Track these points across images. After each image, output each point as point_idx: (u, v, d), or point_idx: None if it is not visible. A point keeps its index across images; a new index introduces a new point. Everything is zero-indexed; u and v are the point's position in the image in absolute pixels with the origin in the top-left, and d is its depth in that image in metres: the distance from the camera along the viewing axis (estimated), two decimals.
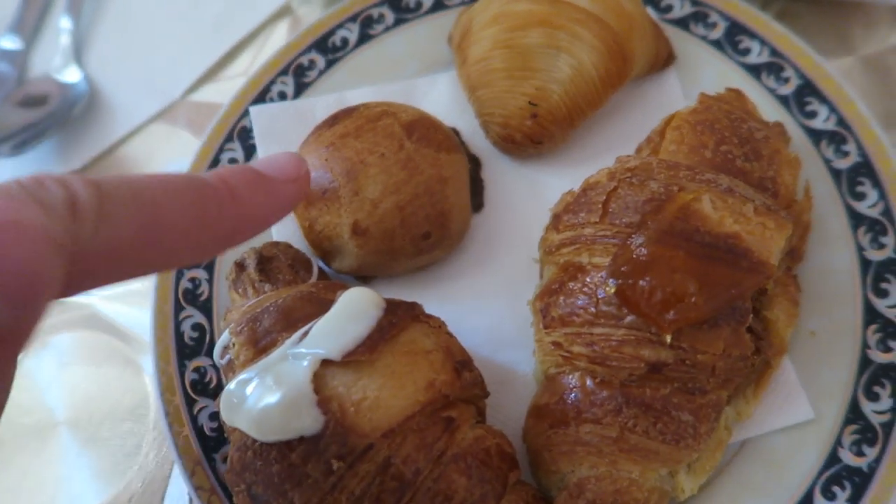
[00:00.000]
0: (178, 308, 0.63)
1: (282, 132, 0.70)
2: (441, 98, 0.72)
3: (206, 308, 0.63)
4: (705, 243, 0.48)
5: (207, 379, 0.61)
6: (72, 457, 0.66)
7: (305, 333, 0.50)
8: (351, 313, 0.51)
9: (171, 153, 0.80)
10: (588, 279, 0.52)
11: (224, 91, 0.81)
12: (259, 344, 0.51)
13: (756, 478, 0.55)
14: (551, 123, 0.64)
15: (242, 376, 0.49)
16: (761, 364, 0.54)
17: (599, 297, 0.50)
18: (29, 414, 0.69)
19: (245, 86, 0.71)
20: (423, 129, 0.61)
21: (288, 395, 0.46)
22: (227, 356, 0.54)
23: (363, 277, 0.65)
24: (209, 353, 0.61)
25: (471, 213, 0.65)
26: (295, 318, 0.52)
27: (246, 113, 0.70)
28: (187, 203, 0.37)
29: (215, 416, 0.59)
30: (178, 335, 0.62)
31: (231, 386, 0.50)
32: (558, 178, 0.66)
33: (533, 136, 0.65)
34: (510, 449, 0.52)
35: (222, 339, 0.55)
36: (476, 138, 0.70)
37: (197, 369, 0.61)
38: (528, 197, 0.67)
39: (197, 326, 0.63)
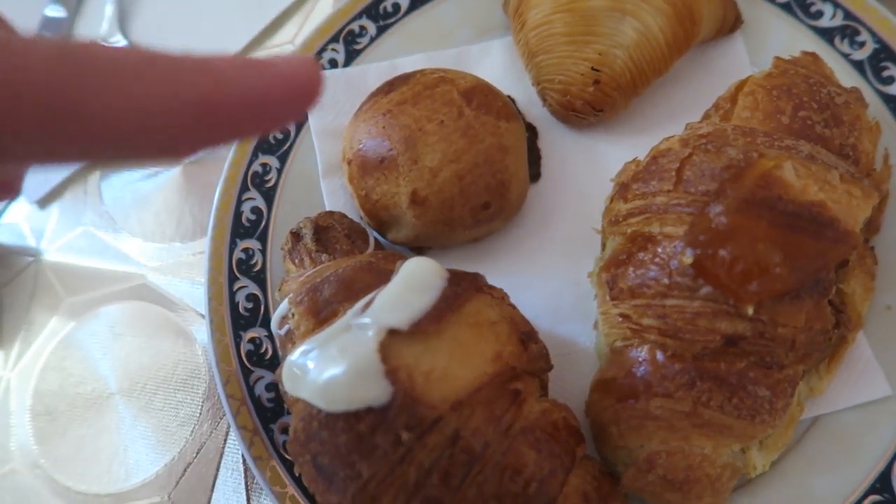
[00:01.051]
0: (232, 278, 0.62)
1: (333, 100, 0.68)
2: (495, 66, 0.70)
3: (260, 279, 0.62)
4: (788, 212, 0.45)
5: (263, 350, 0.60)
6: (126, 427, 0.66)
7: (368, 303, 0.48)
8: (415, 283, 0.50)
9: None
10: (660, 249, 0.50)
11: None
12: (320, 314, 0.50)
13: (829, 456, 0.53)
14: (614, 90, 0.62)
15: (304, 347, 0.48)
16: (837, 339, 0.52)
17: (672, 267, 0.48)
18: (83, 384, 0.69)
19: (294, 54, 0.69)
20: (482, 97, 0.59)
21: (355, 364, 0.45)
22: (286, 326, 0.53)
23: (418, 248, 0.64)
24: (264, 324, 0.61)
25: (528, 183, 0.63)
26: (356, 288, 0.51)
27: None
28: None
29: (272, 386, 0.58)
30: (233, 306, 0.61)
31: (293, 357, 0.49)
32: (618, 148, 0.64)
33: (594, 104, 0.62)
34: (576, 423, 0.51)
35: (280, 308, 0.54)
36: (532, 107, 0.68)
37: (252, 340, 0.60)
38: (586, 167, 0.65)
39: (251, 297, 0.62)
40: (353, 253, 0.57)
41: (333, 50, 0.70)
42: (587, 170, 0.65)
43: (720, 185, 0.48)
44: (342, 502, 0.45)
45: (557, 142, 0.66)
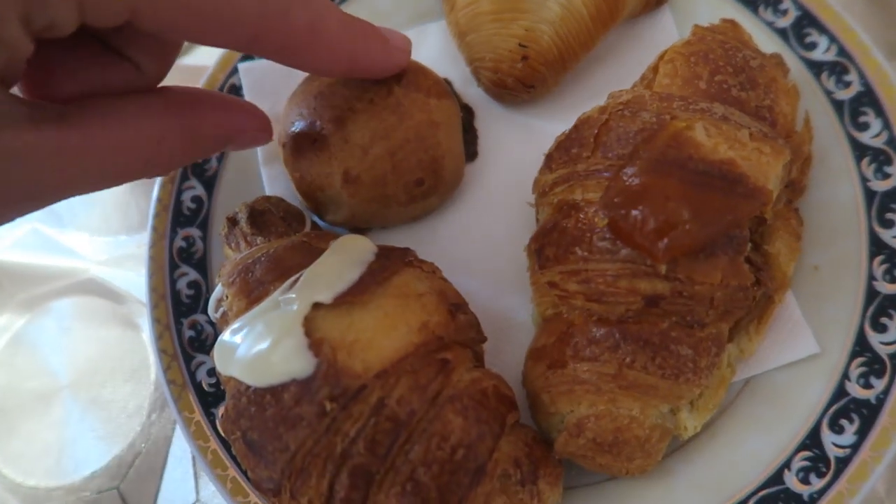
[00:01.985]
0: (174, 266, 0.62)
1: (272, 88, 0.68)
2: (431, 49, 0.70)
3: (201, 266, 0.63)
4: (699, 171, 0.46)
5: (204, 336, 0.60)
6: (75, 420, 0.66)
7: (296, 281, 0.49)
8: (342, 259, 0.50)
9: None
10: (581, 216, 0.50)
11: (214, 54, 0.79)
12: (252, 294, 0.50)
13: (761, 415, 0.54)
14: (543, 66, 0.62)
15: (234, 325, 0.49)
16: (764, 300, 0.53)
17: (593, 232, 0.49)
18: (32, 379, 0.69)
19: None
20: (411, 75, 0.59)
21: (279, 338, 0.46)
22: (221, 309, 0.53)
23: (358, 229, 0.64)
24: (205, 310, 0.61)
25: (464, 161, 0.64)
26: (287, 266, 0.51)
27: (235, 70, 0.69)
28: None
29: (213, 371, 0.59)
30: (174, 293, 0.61)
31: (224, 336, 0.49)
32: (553, 123, 0.64)
33: (525, 80, 0.63)
34: (508, 391, 0.51)
35: (216, 292, 0.54)
36: (469, 88, 0.68)
37: (193, 325, 0.60)
38: (522, 144, 0.66)
39: (193, 284, 0.62)
40: (288, 235, 0.57)
41: None
42: (524, 146, 0.65)
43: (634, 148, 0.48)
44: (272, 476, 0.45)
45: (494, 121, 0.67)
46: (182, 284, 0.62)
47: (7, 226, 0.74)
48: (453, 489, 0.45)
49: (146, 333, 0.68)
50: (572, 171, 0.52)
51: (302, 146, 0.58)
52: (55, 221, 0.76)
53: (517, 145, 0.66)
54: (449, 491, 0.45)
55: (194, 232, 0.64)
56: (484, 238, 0.63)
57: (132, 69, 0.45)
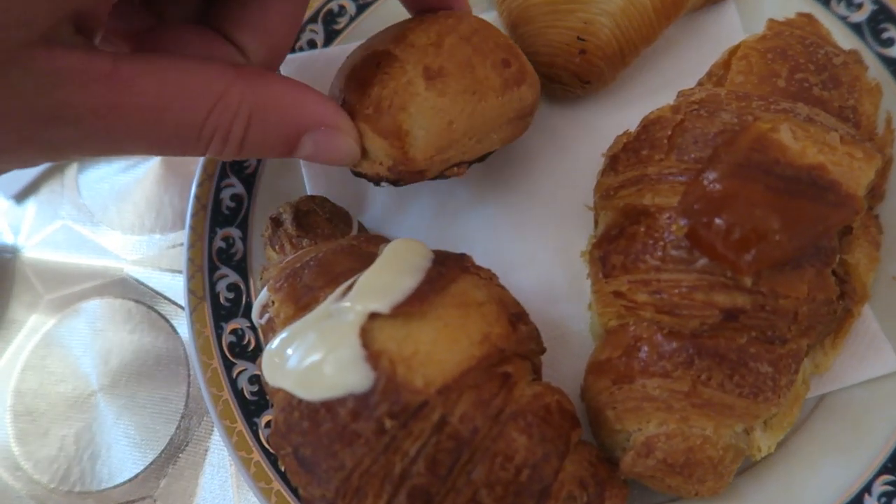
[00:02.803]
0: (213, 268, 0.59)
1: (312, 83, 0.65)
2: None
3: (242, 268, 0.60)
4: (786, 176, 0.43)
5: (245, 341, 0.57)
6: (108, 425, 0.64)
7: (349, 288, 0.46)
8: (397, 265, 0.47)
9: None
10: (653, 222, 0.47)
11: None
12: (300, 301, 0.48)
13: (837, 435, 0.50)
14: (601, 60, 0.59)
15: (284, 335, 0.46)
16: (842, 312, 0.49)
17: (667, 239, 0.46)
18: (63, 383, 0.66)
19: None
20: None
21: (334, 350, 0.43)
22: (266, 315, 0.51)
23: (456, 165, 0.54)
24: (246, 314, 0.58)
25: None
26: (336, 272, 0.48)
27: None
28: None
29: (255, 379, 0.56)
30: (214, 296, 0.58)
31: (272, 345, 0.46)
32: (608, 121, 0.61)
33: (581, 75, 0.59)
34: (570, 407, 0.48)
35: (260, 297, 0.51)
36: None
37: (234, 331, 0.57)
38: (575, 142, 0.62)
39: (233, 287, 0.59)
40: (334, 237, 0.54)
41: (312, 31, 0.67)
42: (576, 145, 0.62)
43: (714, 150, 0.45)
44: (326, 495, 0.43)
45: (545, 117, 0.63)
46: (222, 287, 0.59)
47: (36, 223, 0.74)
48: None
49: (182, 336, 0.65)
50: (642, 174, 0.49)
51: (366, 78, 0.51)
52: (87, 219, 0.73)
53: (569, 143, 0.62)
54: None
55: (234, 232, 0.61)
56: (535, 241, 0.60)
57: (237, 54, 0.45)
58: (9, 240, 0.75)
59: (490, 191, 0.61)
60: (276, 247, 0.54)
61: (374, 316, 0.43)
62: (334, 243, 0.52)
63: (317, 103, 0.47)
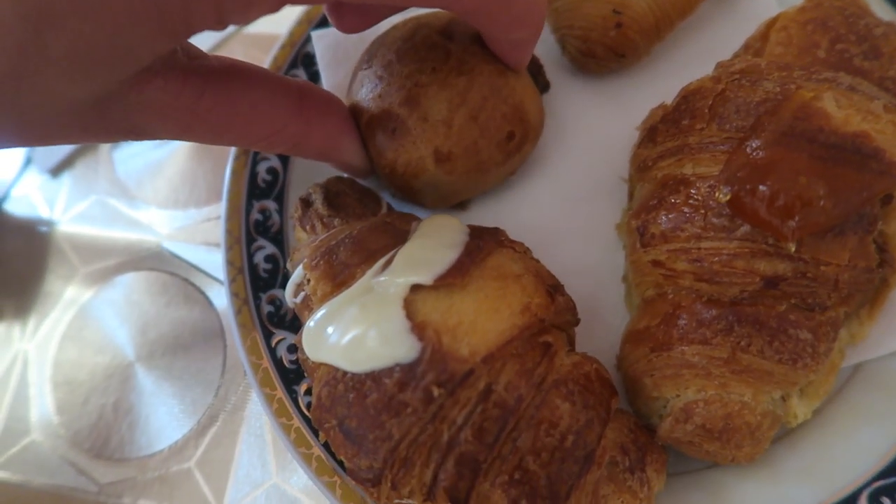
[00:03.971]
0: (250, 240, 0.59)
1: (345, 56, 0.65)
2: None
3: (278, 240, 0.60)
4: (830, 144, 0.42)
5: (283, 311, 0.57)
6: (147, 395, 0.64)
7: (388, 262, 0.46)
8: (436, 239, 0.47)
9: None
10: (693, 191, 0.47)
11: (279, 21, 0.75)
12: (337, 278, 0.48)
13: (873, 404, 0.50)
14: (637, 33, 0.58)
15: (324, 310, 0.46)
16: (879, 282, 0.49)
17: (708, 208, 0.46)
18: (101, 353, 0.67)
19: (306, 10, 0.66)
20: (459, 27, 0.55)
21: (379, 322, 0.43)
22: (302, 293, 0.50)
23: (460, 205, 0.60)
24: (284, 285, 0.58)
25: (540, 96, 0.59)
26: (372, 249, 0.48)
27: (307, 41, 0.65)
28: None
29: (294, 348, 0.56)
30: (252, 267, 0.58)
31: (312, 322, 0.46)
32: (642, 95, 0.60)
33: (616, 48, 0.59)
34: (608, 375, 0.48)
35: (295, 276, 0.51)
36: (549, 56, 0.64)
37: (272, 301, 0.57)
38: (609, 116, 0.62)
39: (270, 258, 0.59)
40: (365, 216, 0.54)
41: None
42: (610, 119, 0.62)
43: (756, 119, 0.45)
44: (373, 465, 0.43)
45: (578, 92, 0.63)
46: (259, 258, 0.59)
47: (71, 196, 0.74)
48: (563, 478, 0.42)
49: (217, 308, 0.65)
50: (682, 144, 0.48)
51: (383, 141, 0.55)
52: (121, 193, 0.74)
53: (603, 117, 0.62)
54: (558, 479, 0.42)
55: (270, 205, 0.61)
56: (567, 215, 0.60)
57: None
58: (44, 213, 0.75)
59: (523, 166, 0.61)
60: (307, 227, 0.54)
61: (416, 288, 0.44)
62: (367, 221, 0.52)
63: (350, 145, 0.54)
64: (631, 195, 0.55)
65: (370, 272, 0.46)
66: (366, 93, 0.55)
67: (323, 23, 0.66)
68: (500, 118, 0.54)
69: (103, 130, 0.40)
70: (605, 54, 0.60)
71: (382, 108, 0.54)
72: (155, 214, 0.72)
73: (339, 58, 0.65)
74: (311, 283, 0.49)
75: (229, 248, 0.59)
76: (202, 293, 0.67)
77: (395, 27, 0.58)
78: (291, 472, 0.59)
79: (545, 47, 0.64)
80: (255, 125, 0.46)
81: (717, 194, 0.45)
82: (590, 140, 0.62)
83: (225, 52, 0.77)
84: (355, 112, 0.56)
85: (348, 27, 0.49)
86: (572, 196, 0.60)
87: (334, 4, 0.48)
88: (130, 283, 0.69)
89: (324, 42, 0.65)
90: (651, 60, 0.62)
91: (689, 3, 0.58)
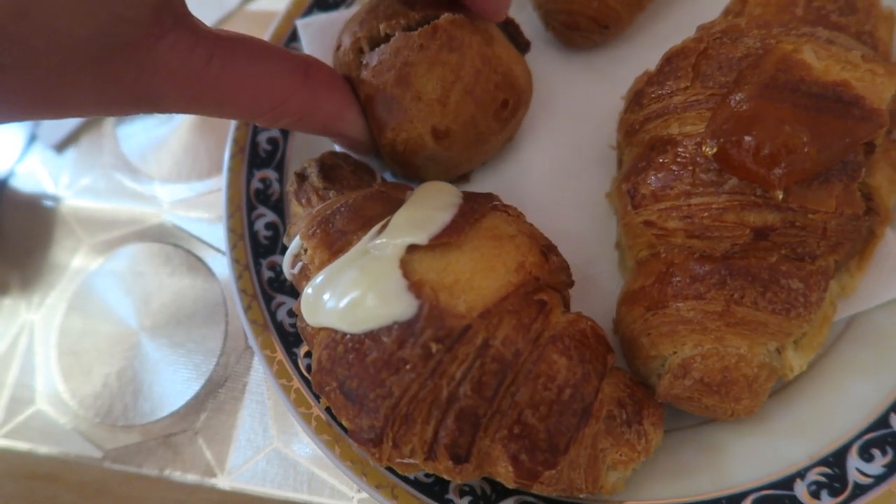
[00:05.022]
0: (251, 207, 0.55)
1: (333, 42, 0.60)
2: None
3: (278, 208, 0.56)
4: (812, 93, 0.39)
5: (283, 277, 0.53)
6: (150, 363, 0.60)
7: (383, 227, 0.43)
8: (430, 202, 0.44)
9: None
10: (680, 149, 0.44)
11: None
12: (334, 245, 0.44)
13: (864, 358, 0.47)
14: (619, 3, 0.55)
15: (322, 276, 0.43)
16: (866, 233, 0.46)
17: (696, 164, 0.42)
18: (106, 323, 0.63)
19: None
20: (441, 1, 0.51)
21: (376, 282, 0.40)
22: (300, 263, 0.47)
23: (463, 177, 0.57)
24: (284, 252, 0.54)
25: (524, 57, 0.55)
26: (368, 216, 0.45)
27: (308, 12, 0.61)
28: None
29: (293, 312, 0.52)
30: (252, 234, 0.54)
31: (310, 289, 0.43)
32: (626, 66, 0.56)
33: (599, 19, 0.55)
34: (603, 332, 0.45)
35: (292, 247, 0.47)
36: (532, 32, 0.59)
37: (272, 266, 0.54)
38: (594, 88, 0.58)
39: (270, 225, 0.55)
40: (360, 188, 0.50)
41: None
42: (597, 90, 0.58)
43: (739, 73, 0.42)
44: (374, 424, 0.39)
45: (564, 65, 0.59)
46: (260, 225, 0.55)
47: (76, 171, 0.69)
48: (561, 430, 0.39)
49: (219, 278, 0.61)
50: (667, 105, 0.45)
51: (380, 121, 0.50)
52: (125, 167, 0.69)
53: (588, 89, 0.58)
54: (557, 432, 0.39)
55: (270, 174, 0.57)
56: (557, 186, 0.56)
57: None
58: (50, 188, 0.71)
59: (517, 140, 0.57)
60: (303, 200, 0.50)
61: (412, 248, 0.40)
62: (363, 191, 0.48)
63: (354, 121, 0.50)
64: (620, 162, 0.52)
65: (366, 237, 0.43)
66: (359, 70, 0.50)
67: (307, 11, 0.62)
68: (494, 88, 0.50)
69: (116, 97, 0.37)
70: (588, 26, 0.56)
71: (377, 86, 0.49)
72: (158, 188, 0.68)
73: (326, 44, 0.60)
74: (309, 251, 0.45)
75: (230, 216, 0.55)
76: (204, 263, 0.63)
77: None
78: (292, 436, 0.56)
79: (529, 25, 0.60)
80: (263, 93, 0.43)
81: (703, 148, 0.41)
82: (577, 113, 0.58)
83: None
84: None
85: None
86: (562, 168, 0.56)
87: None
88: (134, 255, 0.65)
89: (310, 31, 0.61)
90: (633, 32, 0.59)
91: None
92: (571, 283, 0.47)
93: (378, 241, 0.41)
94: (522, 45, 0.55)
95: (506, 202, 0.47)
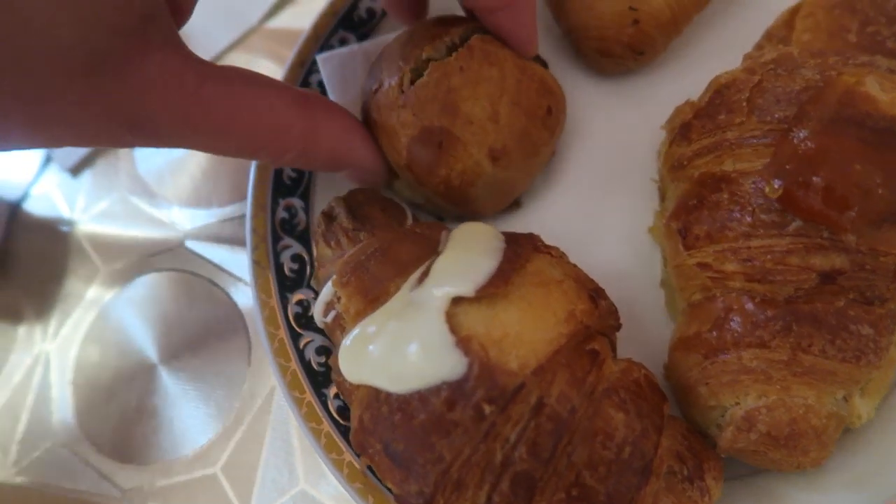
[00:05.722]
0: (276, 238, 0.50)
1: (353, 75, 0.54)
2: None
3: (304, 238, 0.51)
4: (879, 128, 0.35)
5: (311, 312, 0.48)
6: (171, 398, 0.55)
7: (424, 274, 0.38)
8: (473, 247, 0.39)
9: None
10: (736, 188, 0.39)
11: (303, 15, 0.66)
12: (369, 293, 0.39)
13: None
14: (654, 29, 0.49)
15: (360, 329, 0.38)
16: None
17: (755, 204, 0.38)
18: (124, 355, 0.57)
19: (327, 6, 0.55)
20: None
21: (422, 338, 0.35)
22: (333, 312, 0.42)
23: (514, 204, 0.51)
24: (310, 285, 0.49)
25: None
26: (404, 261, 0.40)
27: (334, 31, 0.55)
28: None
29: (322, 350, 0.47)
30: (278, 266, 0.49)
31: (348, 341, 0.38)
32: (661, 93, 0.51)
33: (634, 46, 0.50)
34: (656, 380, 0.40)
35: (323, 294, 0.43)
36: (560, 60, 0.54)
37: (300, 302, 0.48)
38: (631, 116, 0.52)
39: (296, 257, 0.50)
40: (390, 227, 0.46)
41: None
42: (628, 118, 0.52)
43: (800, 108, 0.37)
44: (424, 490, 0.34)
45: (597, 94, 0.53)
46: (286, 257, 0.49)
47: (92, 194, 0.63)
48: (622, 491, 0.35)
49: (241, 308, 0.56)
50: (720, 140, 0.40)
51: (429, 159, 0.45)
52: (143, 191, 0.64)
53: (622, 118, 0.53)
54: (617, 494, 0.35)
55: (296, 202, 0.51)
56: (597, 221, 0.50)
57: None
58: (65, 213, 0.65)
59: (549, 173, 0.52)
60: (332, 242, 0.45)
61: (457, 300, 0.35)
62: (394, 233, 0.44)
63: (363, 148, 0.46)
64: (663, 196, 0.47)
65: (406, 286, 0.38)
66: (400, 119, 0.45)
67: (347, 18, 0.56)
68: (536, 95, 0.46)
69: (105, 117, 0.34)
70: (622, 52, 0.51)
71: (421, 123, 0.44)
72: (177, 213, 0.62)
73: (347, 78, 0.54)
74: (343, 300, 0.40)
75: (255, 248, 0.49)
76: (226, 293, 0.57)
77: (395, 39, 0.48)
78: (319, 476, 0.50)
79: (559, 51, 0.55)
80: (260, 120, 0.39)
81: (766, 189, 0.37)
82: (611, 142, 0.52)
83: (245, 47, 0.67)
84: (390, 137, 0.46)
85: None
86: (602, 200, 0.51)
87: None
88: (153, 283, 0.59)
89: (330, 64, 0.55)
90: (666, 57, 0.53)
91: None
92: (619, 327, 0.42)
93: (420, 292, 0.37)
94: (541, 62, 0.51)
95: (544, 237, 0.42)
